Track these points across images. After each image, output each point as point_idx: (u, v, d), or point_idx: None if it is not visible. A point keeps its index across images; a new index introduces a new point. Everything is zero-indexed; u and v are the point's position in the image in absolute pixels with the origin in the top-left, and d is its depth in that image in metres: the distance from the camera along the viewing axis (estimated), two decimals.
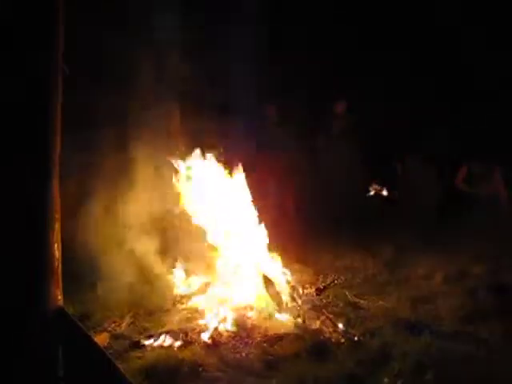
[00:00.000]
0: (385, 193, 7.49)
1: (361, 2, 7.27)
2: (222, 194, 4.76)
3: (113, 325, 3.99)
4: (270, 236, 4.76)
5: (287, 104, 7.06)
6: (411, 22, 7.12)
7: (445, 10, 6.92)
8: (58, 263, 2.52)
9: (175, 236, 4.79)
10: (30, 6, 2.37)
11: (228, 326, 3.85)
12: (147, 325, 3.98)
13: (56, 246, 2.50)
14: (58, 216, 2.53)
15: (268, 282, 4.27)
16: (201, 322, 3.95)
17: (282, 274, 4.51)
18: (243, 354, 3.45)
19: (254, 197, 4.83)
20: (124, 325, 4.00)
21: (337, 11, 7.21)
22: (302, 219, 6.40)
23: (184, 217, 4.73)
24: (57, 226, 2.52)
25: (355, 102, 7.12)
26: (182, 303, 4.33)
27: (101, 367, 2.53)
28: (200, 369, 3.22)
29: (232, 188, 4.82)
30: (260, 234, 4.70)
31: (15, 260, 2.32)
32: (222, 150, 4.98)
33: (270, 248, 4.68)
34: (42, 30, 2.43)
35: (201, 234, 4.64)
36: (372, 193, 7.52)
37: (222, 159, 5.42)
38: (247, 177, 4.86)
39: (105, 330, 3.89)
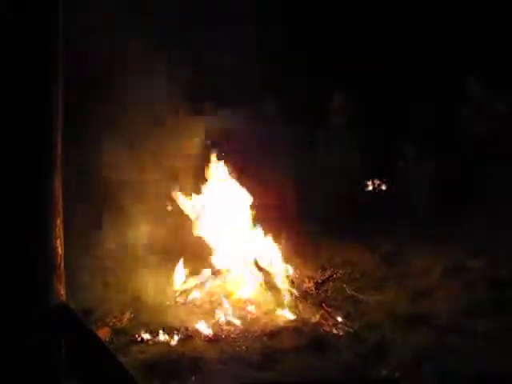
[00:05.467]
0: (383, 187, 7.54)
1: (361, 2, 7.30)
2: (219, 190, 4.81)
3: (113, 320, 4.02)
4: (269, 231, 4.81)
5: (285, 98, 7.09)
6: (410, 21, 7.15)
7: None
8: (60, 259, 2.54)
9: (175, 231, 4.79)
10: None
11: (228, 320, 3.89)
12: (148, 320, 4.00)
13: (58, 241, 2.52)
14: (59, 212, 2.55)
15: (267, 276, 4.31)
16: (200, 316, 3.98)
17: (280, 269, 4.55)
18: (243, 348, 3.49)
19: (252, 193, 4.87)
20: (125, 320, 4.03)
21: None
22: (301, 214, 6.43)
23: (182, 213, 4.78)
24: (59, 221, 2.54)
25: (354, 96, 7.14)
26: (182, 298, 4.35)
27: (104, 362, 2.55)
28: (201, 362, 3.25)
29: (230, 184, 4.86)
30: (259, 229, 4.74)
31: (18, 256, 2.34)
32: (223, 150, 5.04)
33: (269, 243, 4.72)
34: (41, 26, 2.43)
35: (200, 229, 4.68)
36: (370, 188, 7.56)
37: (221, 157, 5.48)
38: (245, 173, 4.90)
39: (106, 324, 3.92)
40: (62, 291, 2.56)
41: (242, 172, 5.23)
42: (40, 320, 2.40)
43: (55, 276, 2.50)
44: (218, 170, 4.90)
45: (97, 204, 4.84)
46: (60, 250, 2.55)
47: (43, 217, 2.42)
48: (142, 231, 4.77)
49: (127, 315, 4.10)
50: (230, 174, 4.94)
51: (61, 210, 2.56)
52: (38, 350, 2.39)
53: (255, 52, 6.57)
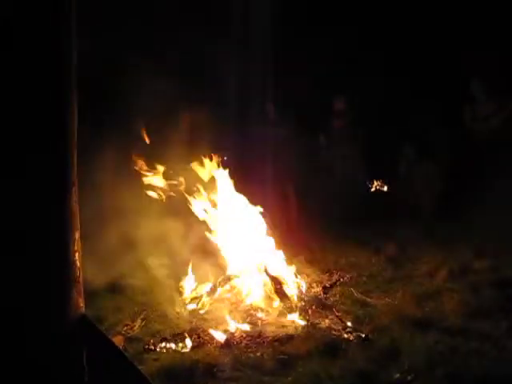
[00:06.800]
0: (385, 189, 7.60)
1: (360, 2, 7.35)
2: (224, 197, 4.85)
3: (125, 328, 4.06)
4: (275, 236, 4.86)
5: (286, 101, 7.14)
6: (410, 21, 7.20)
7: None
8: (79, 272, 2.59)
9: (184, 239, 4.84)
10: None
11: (239, 327, 3.94)
12: (159, 327, 4.05)
13: (77, 255, 2.58)
14: (77, 226, 2.61)
15: (276, 282, 4.37)
16: (211, 323, 4.03)
17: (288, 274, 4.60)
18: (256, 354, 3.54)
19: (255, 198, 4.92)
20: (136, 328, 4.07)
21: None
22: (305, 218, 6.49)
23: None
24: (77, 235, 2.60)
25: (355, 99, 7.21)
26: (193, 305, 4.40)
27: (124, 371, 2.61)
28: (215, 369, 3.30)
29: (234, 190, 4.90)
30: (265, 235, 4.79)
31: (41, 270, 2.40)
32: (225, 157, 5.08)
33: (276, 248, 4.77)
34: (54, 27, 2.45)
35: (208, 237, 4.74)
36: (373, 189, 7.62)
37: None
38: (247, 178, 4.95)
39: (119, 333, 3.96)
40: (82, 303, 2.62)
41: (246, 177, 5.29)
42: (62, 332, 2.46)
43: (75, 289, 2.55)
44: (224, 176, 4.93)
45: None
46: (79, 263, 2.60)
47: (64, 231, 2.47)
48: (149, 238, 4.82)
49: (138, 323, 4.15)
50: (235, 179, 4.98)
51: (78, 224, 2.62)
52: (61, 362, 2.44)
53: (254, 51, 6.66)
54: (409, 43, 7.16)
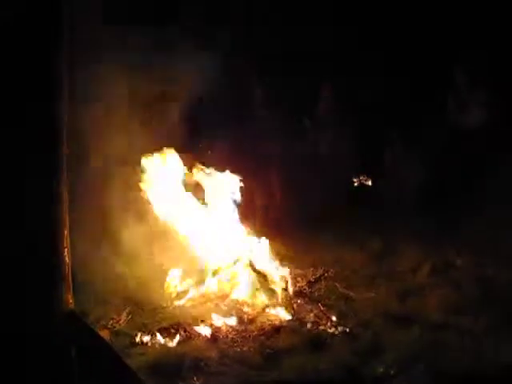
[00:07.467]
0: (369, 183, 7.63)
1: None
2: (210, 187, 4.86)
3: (111, 322, 4.06)
4: (259, 230, 4.89)
5: (273, 87, 7.10)
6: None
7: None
8: (68, 268, 2.60)
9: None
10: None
11: (224, 321, 3.97)
12: (145, 321, 4.06)
13: (66, 251, 2.58)
14: (66, 222, 2.61)
15: (261, 276, 4.40)
16: (197, 317, 4.05)
17: (273, 268, 4.64)
18: (242, 348, 3.58)
19: (240, 188, 4.92)
20: (122, 322, 4.08)
21: None
22: (289, 212, 6.51)
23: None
24: (66, 232, 2.60)
25: (343, 86, 7.20)
26: (178, 299, 4.41)
27: (112, 365, 2.64)
28: (202, 363, 3.33)
29: (219, 182, 4.91)
30: (250, 229, 4.82)
31: (31, 267, 2.40)
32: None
33: (260, 242, 4.79)
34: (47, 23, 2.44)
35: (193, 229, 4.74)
36: (356, 184, 7.66)
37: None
38: (234, 167, 4.94)
39: (104, 327, 3.96)
40: (71, 300, 2.63)
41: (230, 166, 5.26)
42: (51, 328, 2.46)
43: (64, 286, 2.56)
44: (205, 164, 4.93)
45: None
46: (68, 260, 2.61)
47: (54, 228, 2.47)
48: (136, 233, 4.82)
49: (124, 317, 4.15)
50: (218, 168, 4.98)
51: (67, 220, 2.62)
52: (50, 357, 2.45)
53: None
54: (397, 31, 7.15)
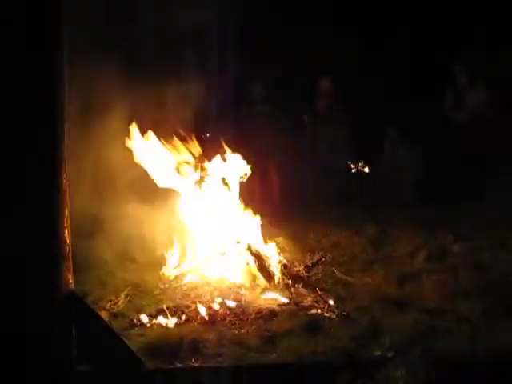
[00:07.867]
0: (367, 170, 7.68)
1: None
2: (207, 174, 4.85)
3: (109, 303, 4.07)
4: (258, 214, 4.90)
5: (274, 80, 7.12)
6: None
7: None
8: (68, 248, 2.61)
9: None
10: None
11: (223, 303, 3.99)
12: (144, 303, 4.09)
13: (66, 231, 2.59)
14: (67, 202, 2.61)
15: (259, 259, 4.42)
16: (195, 299, 4.07)
17: (271, 252, 4.66)
18: (240, 331, 3.60)
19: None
20: (120, 303, 4.09)
21: None
22: (288, 197, 6.54)
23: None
24: (67, 212, 2.60)
25: (341, 79, 7.22)
26: (176, 282, 4.43)
27: (112, 345, 2.66)
28: (201, 345, 3.35)
29: (218, 168, 4.90)
30: (248, 214, 4.83)
31: (31, 246, 2.40)
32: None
33: (258, 226, 4.81)
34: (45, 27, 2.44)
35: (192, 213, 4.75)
36: (354, 170, 7.70)
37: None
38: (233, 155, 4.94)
39: (103, 308, 3.97)
40: (71, 280, 2.64)
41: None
42: (52, 307, 2.48)
43: (65, 265, 2.57)
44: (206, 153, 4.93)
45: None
46: (68, 240, 2.61)
47: (54, 208, 2.47)
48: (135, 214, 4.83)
49: (122, 298, 4.17)
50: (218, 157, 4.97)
51: (68, 200, 2.62)
52: (51, 336, 2.47)
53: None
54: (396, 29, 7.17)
